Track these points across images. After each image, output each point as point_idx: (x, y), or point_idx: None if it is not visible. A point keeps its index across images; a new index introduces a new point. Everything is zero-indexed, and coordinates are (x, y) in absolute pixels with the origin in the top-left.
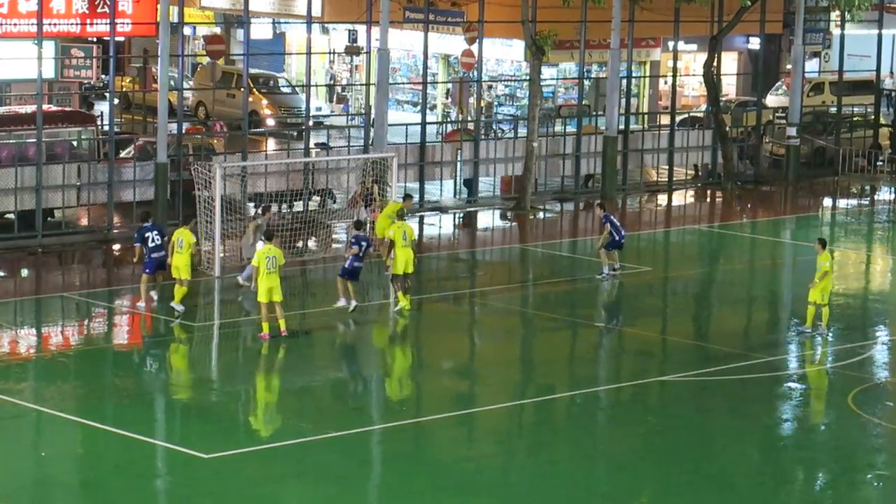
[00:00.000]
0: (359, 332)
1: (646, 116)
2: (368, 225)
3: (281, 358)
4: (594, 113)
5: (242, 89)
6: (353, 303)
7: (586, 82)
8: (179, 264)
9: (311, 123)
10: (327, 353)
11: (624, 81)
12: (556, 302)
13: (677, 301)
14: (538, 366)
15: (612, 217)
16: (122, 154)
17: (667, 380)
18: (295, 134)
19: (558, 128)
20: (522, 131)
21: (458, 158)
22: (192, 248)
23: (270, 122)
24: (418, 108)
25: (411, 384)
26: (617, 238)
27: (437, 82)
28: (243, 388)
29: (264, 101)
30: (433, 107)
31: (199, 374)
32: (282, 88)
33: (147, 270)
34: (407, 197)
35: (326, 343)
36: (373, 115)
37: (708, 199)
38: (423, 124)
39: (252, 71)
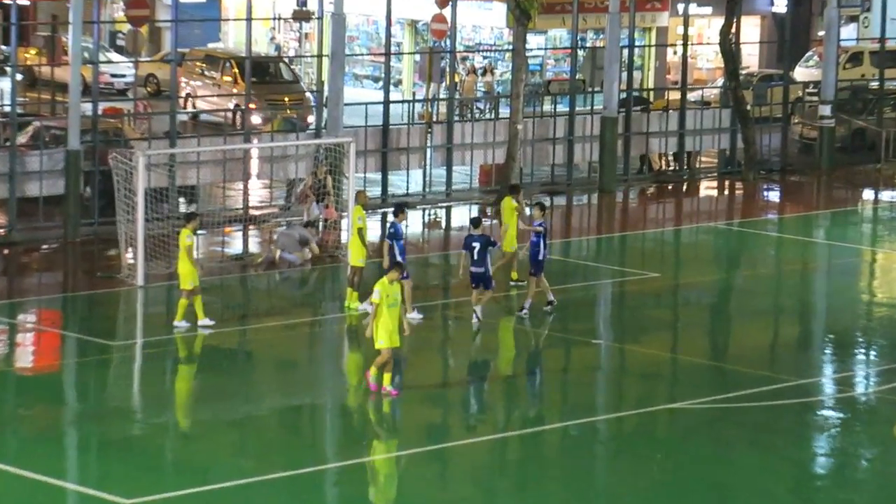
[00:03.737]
0: (310, 351)
1: (651, 93)
2: (321, 224)
3: (218, 383)
4: (590, 89)
5: (217, 75)
6: (475, 319)
7: (580, 53)
8: (182, 271)
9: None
10: (273, 377)
11: (625, 52)
12: (544, 314)
13: (690, 313)
14: (524, 391)
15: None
16: (21, 140)
17: (677, 407)
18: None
19: (547, 107)
20: (504, 111)
21: (429, 144)
22: (187, 251)
23: (256, 119)
24: (380, 84)
25: (373, 413)
26: (539, 257)
27: (402, 53)
28: (172, 418)
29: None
30: (398, 83)
31: (120, 403)
32: (284, 76)
33: None
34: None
35: (272, 364)
36: (326, 93)
37: (726, 192)
38: (386, 103)
39: (243, 55)
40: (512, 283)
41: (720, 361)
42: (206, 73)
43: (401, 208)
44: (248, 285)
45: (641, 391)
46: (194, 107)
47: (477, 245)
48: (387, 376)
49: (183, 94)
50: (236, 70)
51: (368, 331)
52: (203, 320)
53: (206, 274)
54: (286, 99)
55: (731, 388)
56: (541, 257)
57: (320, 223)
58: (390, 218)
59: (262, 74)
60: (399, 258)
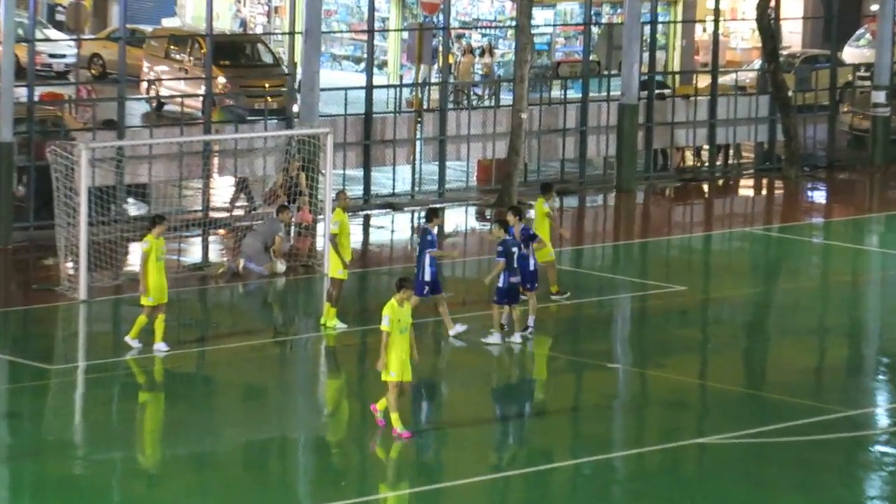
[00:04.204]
0: (281, 376)
1: (677, 77)
2: (293, 229)
3: (173, 413)
4: (606, 72)
5: (186, 57)
6: (516, 336)
7: (595, 30)
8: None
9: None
10: (238, 406)
11: (647, 29)
12: (553, 333)
13: (721, 333)
14: (530, 423)
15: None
16: None
17: (707, 442)
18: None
19: (556, 93)
20: (506, 98)
21: (418, 136)
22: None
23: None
24: (362, 66)
25: (354, 447)
26: (510, 281)
27: (387, 30)
28: (120, 455)
29: (220, 79)
30: (382, 64)
31: (59, 437)
32: (263, 59)
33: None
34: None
35: (236, 391)
36: (299, 77)
37: (764, 191)
38: (369, 88)
39: (218, 34)
40: (553, 298)
41: (757, 389)
42: (172, 55)
43: (434, 212)
44: (208, 300)
45: (665, 423)
46: (157, 95)
47: (516, 250)
48: (395, 416)
49: (145, 80)
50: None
51: (380, 363)
52: (132, 339)
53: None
54: (266, 85)
55: (770, 420)
56: (532, 268)
57: (293, 228)
58: (421, 223)
59: (238, 57)
60: (429, 271)
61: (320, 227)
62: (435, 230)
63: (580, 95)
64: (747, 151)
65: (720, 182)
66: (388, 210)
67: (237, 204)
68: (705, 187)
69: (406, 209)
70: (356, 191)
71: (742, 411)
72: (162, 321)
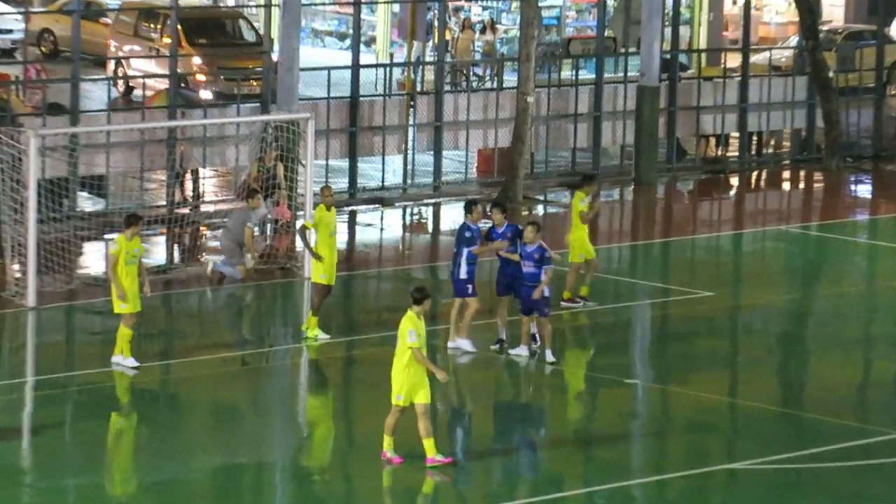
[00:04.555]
0: (255, 393)
1: (703, 56)
2: (269, 225)
3: (135, 435)
4: (623, 50)
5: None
6: (549, 353)
7: (610, 3)
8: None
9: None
10: (207, 427)
11: (669, 1)
12: (564, 345)
13: (753, 344)
14: (536, 447)
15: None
16: None
17: (737, 468)
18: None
19: (567, 74)
20: (511, 79)
21: (411, 122)
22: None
23: (207, 94)
24: (347, 42)
25: (334, 474)
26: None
27: (376, 2)
28: (74, 481)
29: (195, 60)
30: (370, 41)
31: (5, 461)
32: (244, 37)
33: None
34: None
35: (205, 411)
36: (276, 55)
37: (801, 185)
38: (356, 67)
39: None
40: (578, 302)
41: (794, 408)
42: (143, 32)
43: (473, 204)
44: (172, 306)
45: (689, 447)
46: (126, 77)
47: (537, 255)
48: (389, 439)
49: (112, 61)
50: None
51: (442, 374)
52: (125, 359)
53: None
54: (248, 67)
55: (807, 444)
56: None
57: (269, 225)
58: (458, 218)
59: (216, 35)
60: (465, 268)
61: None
62: (476, 225)
63: (594, 76)
64: (783, 139)
65: (752, 174)
66: (376, 206)
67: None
68: (735, 180)
69: (397, 205)
70: (341, 183)
71: (776, 433)
72: (130, 333)
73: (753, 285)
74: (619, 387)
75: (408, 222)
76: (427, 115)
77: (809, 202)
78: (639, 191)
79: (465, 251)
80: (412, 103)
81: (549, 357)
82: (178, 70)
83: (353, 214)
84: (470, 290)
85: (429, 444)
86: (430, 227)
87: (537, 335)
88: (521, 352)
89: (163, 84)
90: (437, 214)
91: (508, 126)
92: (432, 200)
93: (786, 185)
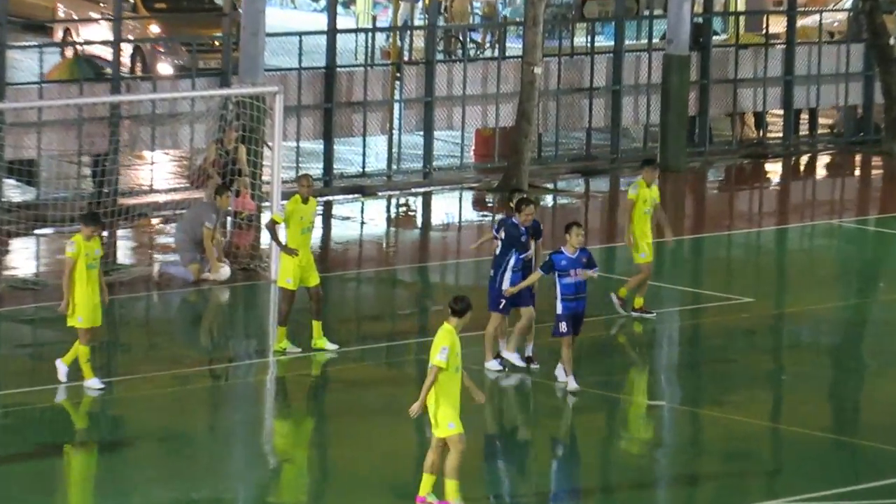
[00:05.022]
0: (213, 416)
1: (741, 19)
2: (230, 219)
3: (73, 465)
4: (646, 13)
5: None
6: (571, 381)
7: None
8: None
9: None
10: (155, 457)
11: None
12: (577, 360)
13: (800, 359)
14: (542, 478)
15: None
16: None
17: None
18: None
19: (580, 40)
20: (514, 46)
21: (397, 97)
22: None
23: (166, 69)
24: (322, 4)
25: None
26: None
27: None
28: None
29: (153, 28)
30: (349, 2)
31: None
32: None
33: None
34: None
35: (154, 436)
36: (240, 19)
37: (856, 172)
38: (332, 32)
39: None
40: (634, 314)
41: (848, 435)
42: None
43: (524, 201)
44: (115, 314)
45: (725, 480)
46: (74, 45)
47: (584, 260)
48: (429, 480)
49: (60, 29)
50: None
51: (417, 407)
52: (88, 380)
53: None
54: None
55: (863, 476)
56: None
57: (229, 219)
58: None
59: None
60: (510, 277)
61: (266, 220)
62: (526, 226)
63: (612, 43)
64: (834, 118)
65: (798, 159)
66: (356, 196)
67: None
68: (778, 166)
69: (380, 194)
70: (315, 169)
71: (826, 464)
72: (87, 350)
73: (800, 290)
74: (642, 409)
75: (393, 215)
76: (416, 89)
77: (866, 192)
78: (665, 178)
79: (514, 256)
80: (398, 75)
81: (570, 382)
82: (131, 38)
83: (328, 206)
84: (508, 304)
85: (452, 487)
86: (419, 221)
87: (534, 355)
88: (570, 383)
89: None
90: (427, 206)
91: (512, 102)
92: (422, 189)
93: (838, 172)
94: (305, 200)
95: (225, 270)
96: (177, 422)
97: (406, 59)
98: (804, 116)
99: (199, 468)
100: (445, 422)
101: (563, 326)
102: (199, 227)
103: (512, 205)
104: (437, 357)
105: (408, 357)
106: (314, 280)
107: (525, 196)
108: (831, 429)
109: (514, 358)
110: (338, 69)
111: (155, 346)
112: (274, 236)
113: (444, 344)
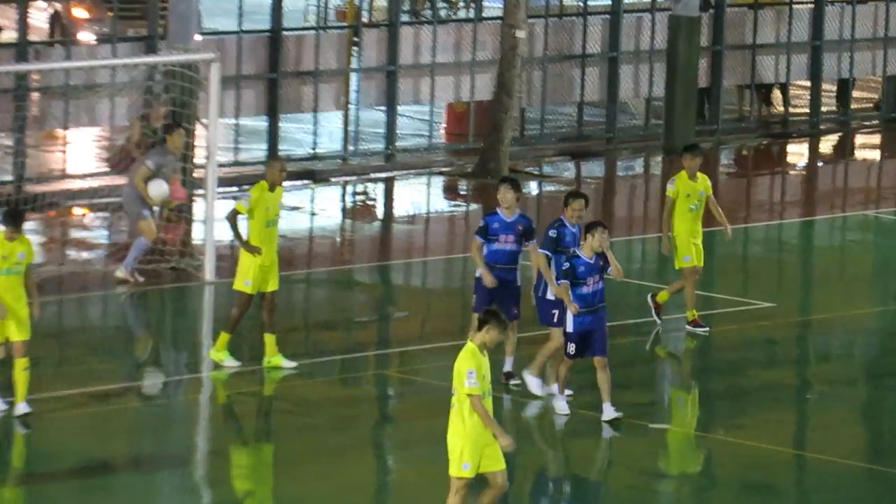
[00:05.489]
0: (137, 441)
1: None
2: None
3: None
4: None
5: None
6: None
7: None
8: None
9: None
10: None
11: None
12: (573, 376)
13: (828, 375)
14: None
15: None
16: None
17: None
18: None
19: (569, 0)
20: (493, 6)
21: (354, 65)
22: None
23: (89, 37)
24: None
25: None
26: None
27: None
28: None
29: None
30: None
31: None
32: None
33: None
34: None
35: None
36: None
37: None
38: None
39: None
40: (688, 328)
41: (883, 463)
42: None
43: (575, 195)
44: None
45: None
46: None
47: (599, 265)
48: None
49: None
50: None
51: (507, 441)
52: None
53: None
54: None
55: None
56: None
57: (156, 209)
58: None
59: None
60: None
61: (200, 210)
62: (577, 226)
63: (609, 3)
64: (871, 91)
65: (827, 140)
66: (306, 182)
67: None
68: (803, 147)
69: (333, 180)
70: (257, 151)
71: (859, 495)
72: (24, 368)
73: (829, 293)
74: (643, 433)
75: (349, 205)
76: (377, 56)
77: None
78: (671, 161)
79: (557, 260)
80: (355, 40)
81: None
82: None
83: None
84: (556, 318)
85: None
86: (379, 212)
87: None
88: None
89: None
90: (389, 193)
91: (490, 72)
92: (383, 175)
93: (874, 155)
94: (273, 188)
95: (164, 188)
96: (94, 448)
97: (365, 20)
98: (834, 89)
99: (120, 502)
100: (459, 460)
101: (571, 348)
102: (137, 217)
103: (508, 196)
104: (466, 385)
105: (365, 372)
106: (272, 284)
107: (575, 190)
108: (864, 456)
109: (535, 383)
110: (284, 33)
111: (68, 359)
112: (235, 230)
113: (470, 367)
